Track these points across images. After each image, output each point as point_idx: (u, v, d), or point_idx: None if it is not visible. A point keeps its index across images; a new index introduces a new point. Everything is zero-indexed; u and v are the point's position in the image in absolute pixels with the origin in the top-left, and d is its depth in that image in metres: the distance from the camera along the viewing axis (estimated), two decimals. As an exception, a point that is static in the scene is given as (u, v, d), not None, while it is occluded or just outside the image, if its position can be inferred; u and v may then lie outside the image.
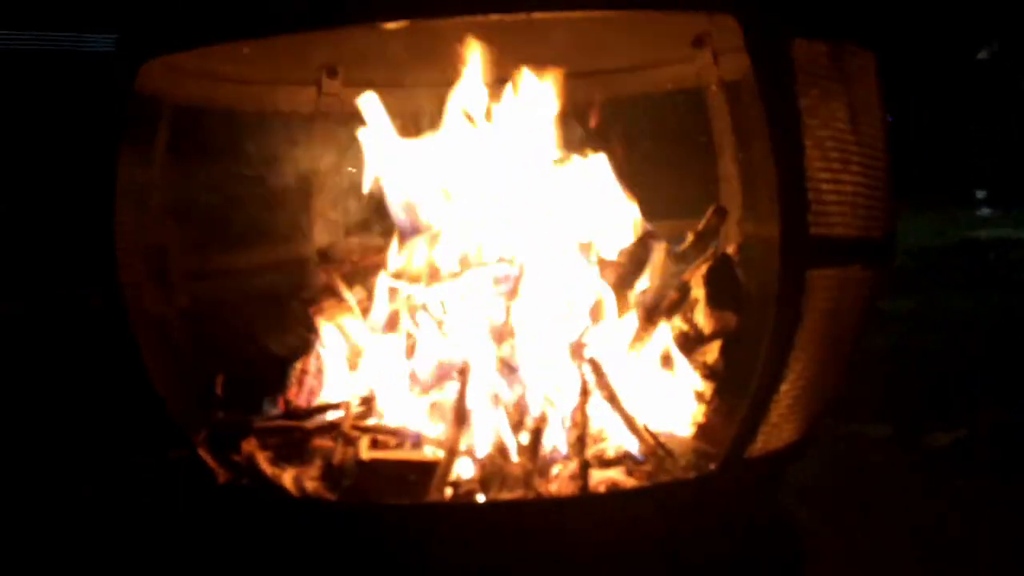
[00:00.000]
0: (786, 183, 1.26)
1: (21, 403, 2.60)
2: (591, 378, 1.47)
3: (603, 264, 1.62)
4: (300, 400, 1.64)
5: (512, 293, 1.57)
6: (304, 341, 1.71)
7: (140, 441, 1.75)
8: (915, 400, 2.43)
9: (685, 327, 1.57)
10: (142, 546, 1.66)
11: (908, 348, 3.06)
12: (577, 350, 1.51)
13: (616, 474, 1.42)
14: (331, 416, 1.57)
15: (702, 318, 1.56)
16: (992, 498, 1.78)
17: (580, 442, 1.41)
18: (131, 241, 1.54)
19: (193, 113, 1.76)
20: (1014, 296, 4.04)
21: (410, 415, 1.54)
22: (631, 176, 1.73)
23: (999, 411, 2.29)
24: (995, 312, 3.70)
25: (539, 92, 1.66)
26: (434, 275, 1.66)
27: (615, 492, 1.37)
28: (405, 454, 1.45)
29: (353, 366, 1.66)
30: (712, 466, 1.38)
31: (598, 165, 1.70)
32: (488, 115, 1.67)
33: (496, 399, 1.49)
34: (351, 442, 1.46)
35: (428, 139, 1.70)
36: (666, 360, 1.56)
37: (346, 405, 1.56)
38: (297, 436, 1.53)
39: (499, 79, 1.64)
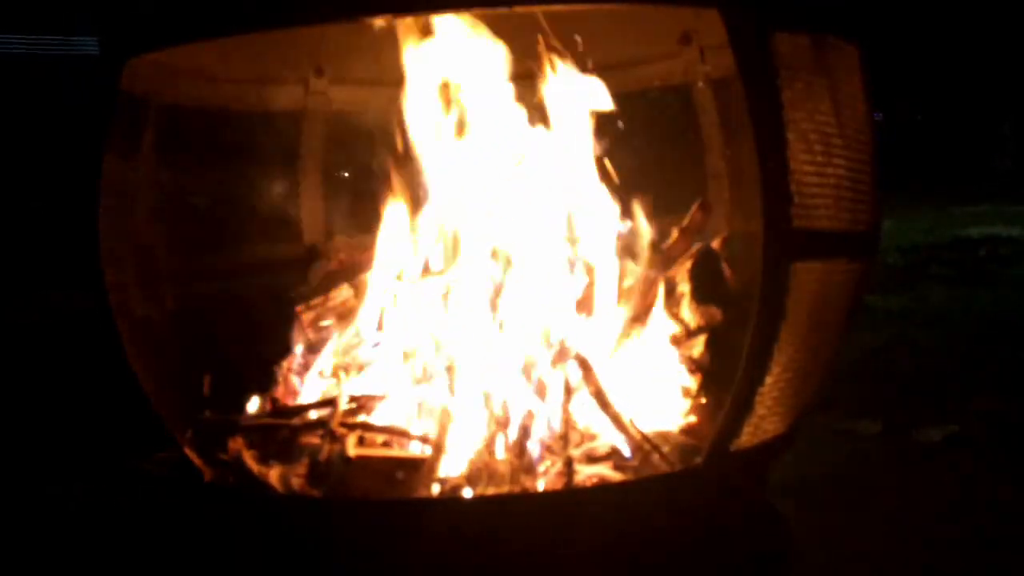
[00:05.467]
0: (769, 175, 1.26)
1: (6, 405, 2.60)
2: (578, 374, 1.47)
3: (590, 261, 1.62)
4: (287, 398, 1.64)
5: (499, 290, 1.57)
6: (291, 339, 1.71)
7: (127, 442, 1.74)
8: (906, 396, 2.43)
9: (671, 322, 1.57)
10: (130, 546, 1.66)
11: (899, 344, 3.06)
12: (564, 347, 1.51)
13: (604, 470, 1.42)
14: (318, 414, 1.56)
15: (688, 313, 1.56)
16: (983, 494, 1.78)
17: (565, 438, 1.41)
18: (117, 242, 1.53)
19: (180, 113, 1.75)
20: (1004, 292, 4.05)
21: (398, 413, 1.54)
22: (619, 173, 1.73)
23: (990, 406, 2.29)
24: (986, 308, 3.71)
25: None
26: (422, 272, 1.66)
27: (600, 487, 1.36)
28: (392, 451, 1.45)
29: (340, 364, 1.65)
30: (698, 460, 1.38)
31: (586, 162, 1.70)
32: (470, 111, 1.67)
33: (483, 396, 1.48)
34: (338, 440, 1.45)
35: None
36: (652, 355, 1.56)
37: (334, 403, 1.55)
38: (284, 434, 1.52)
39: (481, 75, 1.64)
